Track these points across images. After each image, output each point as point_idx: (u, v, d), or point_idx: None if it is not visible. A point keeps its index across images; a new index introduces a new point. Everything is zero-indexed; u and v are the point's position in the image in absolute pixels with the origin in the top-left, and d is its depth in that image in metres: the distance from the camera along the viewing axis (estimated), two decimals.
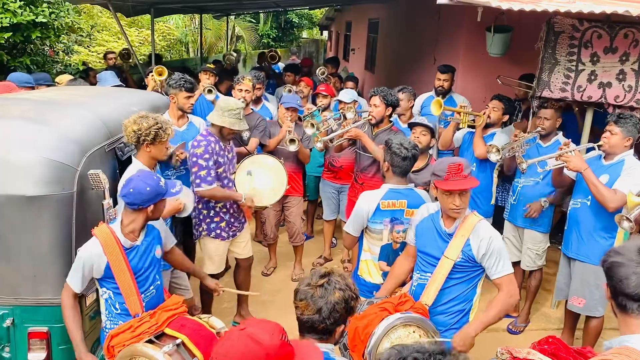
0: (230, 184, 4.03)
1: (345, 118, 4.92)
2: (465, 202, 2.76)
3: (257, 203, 4.07)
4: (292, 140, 4.63)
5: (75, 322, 2.73)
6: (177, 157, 3.97)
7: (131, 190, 2.69)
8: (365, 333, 2.67)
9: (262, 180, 4.12)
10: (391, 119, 4.58)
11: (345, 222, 3.67)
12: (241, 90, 4.99)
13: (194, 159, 3.74)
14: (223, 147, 3.89)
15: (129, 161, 3.33)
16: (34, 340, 2.81)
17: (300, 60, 12.98)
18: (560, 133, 4.39)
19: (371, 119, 4.48)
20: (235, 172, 4.09)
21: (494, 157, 4.20)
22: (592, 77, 4.14)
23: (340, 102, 5.41)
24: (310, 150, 5.22)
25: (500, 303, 2.77)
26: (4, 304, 2.80)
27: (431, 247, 2.90)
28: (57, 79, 6.25)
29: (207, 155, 3.73)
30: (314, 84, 6.89)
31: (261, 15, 22.98)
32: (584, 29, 4.08)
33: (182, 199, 3.56)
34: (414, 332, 2.71)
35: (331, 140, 4.64)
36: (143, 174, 2.81)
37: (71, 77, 6.37)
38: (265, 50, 11.51)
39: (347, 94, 5.49)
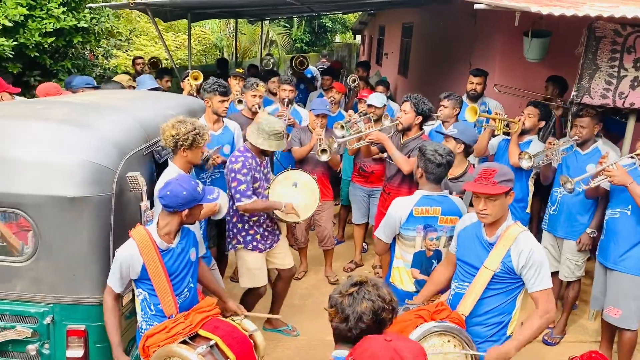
0: (264, 199, 4.04)
1: (371, 121, 4.91)
2: (493, 208, 2.68)
3: (290, 218, 4.07)
4: (323, 150, 4.61)
5: (115, 323, 2.78)
6: (212, 161, 4.01)
7: (168, 192, 2.74)
8: None
9: (295, 196, 4.12)
10: (422, 128, 4.53)
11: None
12: (254, 96, 5.06)
13: (233, 174, 3.78)
14: (259, 162, 3.93)
15: (166, 164, 3.39)
16: (72, 338, 2.88)
17: (330, 62, 12.92)
18: (600, 140, 4.28)
19: (399, 125, 4.44)
20: (269, 188, 4.10)
21: (525, 163, 4.12)
22: (635, 84, 4.02)
23: (370, 106, 5.39)
24: (342, 155, 5.20)
25: (537, 321, 2.68)
26: (45, 301, 2.87)
27: (471, 256, 2.86)
28: (116, 78, 6.61)
29: (245, 170, 3.77)
30: (347, 90, 6.89)
31: (295, 20, 23.10)
32: (627, 34, 3.96)
33: (218, 201, 3.60)
34: (448, 341, 2.67)
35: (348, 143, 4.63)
36: (182, 178, 2.85)
37: (129, 77, 6.60)
38: (297, 55, 11.57)
39: (378, 98, 5.46)
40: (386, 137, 4.44)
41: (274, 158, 5.15)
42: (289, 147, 4.93)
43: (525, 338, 2.68)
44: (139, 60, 8.72)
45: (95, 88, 5.48)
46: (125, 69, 9.97)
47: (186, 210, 2.79)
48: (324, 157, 4.61)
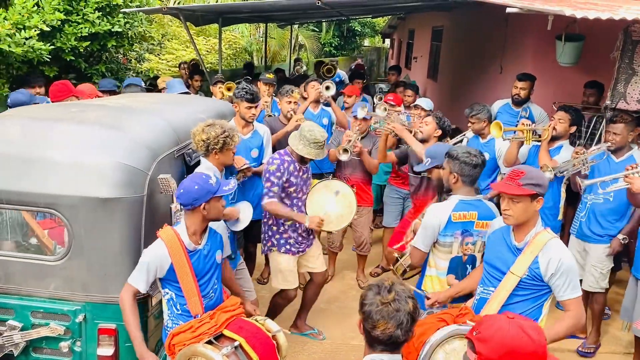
0: (300, 204, 4.05)
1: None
2: (515, 210, 2.67)
3: (324, 228, 4.07)
4: (344, 150, 4.63)
5: (135, 321, 2.78)
6: (243, 174, 4.05)
7: (182, 191, 2.79)
8: (419, 341, 2.62)
9: (332, 206, 4.12)
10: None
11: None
12: (290, 102, 5.11)
13: (267, 175, 3.86)
14: (298, 167, 3.95)
15: (196, 166, 3.44)
16: (103, 336, 2.93)
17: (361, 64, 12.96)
18: (636, 147, 4.17)
19: (418, 133, 4.47)
20: (307, 194, 4.10)
21: (547, 175, 4.04)
22: None
23: (416, 106, 5.54)
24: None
25: (570, 320, 2.65)
26: (77, 300, 2.93)
27: (498, 260, 2.82)
28: (158, 82, 6.89)
29: (279, 173, 3.83)
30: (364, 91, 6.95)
31: (324, 24, 23.17)
32: None
33: (240, 208, 3.65)
34: None
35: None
36: (192, 175, 2.92)
37: (170, 78, 6.76)
38: (325, 59, 11.59)
39: (426, 102, 5.65)
40: (405, 129, 4.52)
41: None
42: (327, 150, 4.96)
43: (556, 333, 2.65)
44: (184, 65, 8.91)
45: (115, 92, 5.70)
46: (157, 72, 10.14)
47: (204, 204, 2.81)
48: (344, 157, 4.66)
